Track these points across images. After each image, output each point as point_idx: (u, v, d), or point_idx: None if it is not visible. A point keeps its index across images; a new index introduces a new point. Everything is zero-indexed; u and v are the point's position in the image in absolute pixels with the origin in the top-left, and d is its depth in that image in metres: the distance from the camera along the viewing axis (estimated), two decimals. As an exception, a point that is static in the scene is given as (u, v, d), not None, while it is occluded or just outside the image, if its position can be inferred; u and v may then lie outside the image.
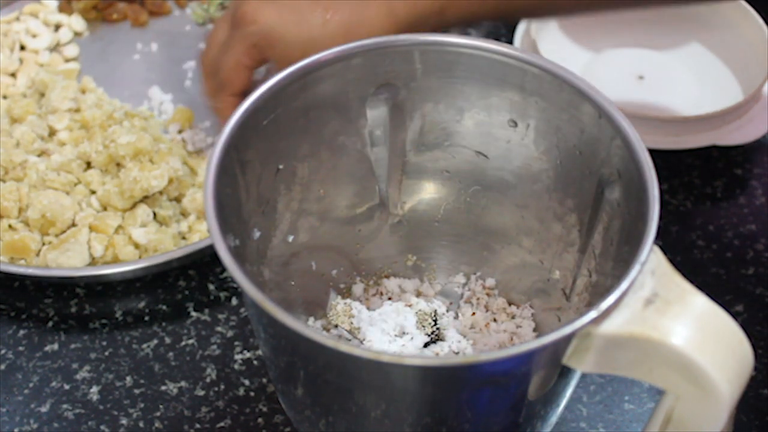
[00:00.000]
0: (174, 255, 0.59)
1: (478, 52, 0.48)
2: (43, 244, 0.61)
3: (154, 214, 0.62)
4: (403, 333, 0.51)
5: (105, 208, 0.62)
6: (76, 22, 0.76)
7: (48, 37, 0.75)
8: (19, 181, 0.63)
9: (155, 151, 0.62)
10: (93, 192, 0.62)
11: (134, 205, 0.61)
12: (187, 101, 0.71)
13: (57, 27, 0.77)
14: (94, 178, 0.62)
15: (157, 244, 0.60)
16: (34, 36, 0.75)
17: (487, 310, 0.55)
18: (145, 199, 0.62)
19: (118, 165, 0.62)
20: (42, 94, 0.69)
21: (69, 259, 0.59)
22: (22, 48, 0.75)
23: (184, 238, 0.62)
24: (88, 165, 0.63)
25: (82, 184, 0.63)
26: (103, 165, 0.62)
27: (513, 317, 0.55)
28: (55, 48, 0.75)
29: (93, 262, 0.60)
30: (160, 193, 0.62)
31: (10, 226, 0.61)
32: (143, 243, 0.60)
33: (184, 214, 0.63)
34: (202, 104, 0.71)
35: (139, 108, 0.70)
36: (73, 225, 0.61)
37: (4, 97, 0.70)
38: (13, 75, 0.73)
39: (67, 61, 0.75)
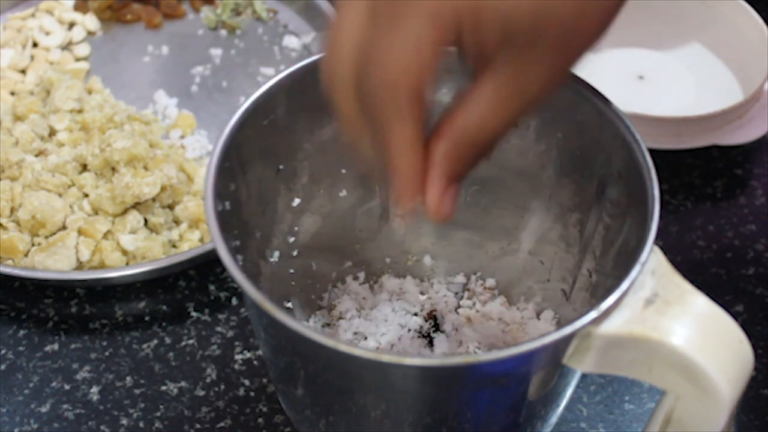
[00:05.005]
0: (178, 259, 0.59)
1: (478, 52, 0.48)
2: (33, 245, 0.61)
3: (146, 220, 0.62)
4: (404, 333, 0.51)
5: (96, 213, 0.61)
6: (90, 22, 0.76)
7: (61, 35, 0.75)
8: (15, 180, 0.62)
9: (150, 158, 0.62)
10: (86, 195, 0.62)
11: (125, 211, 0.61)
12: (192, 106, 0.71)
13: (71, 25, 0.77)
14: (88, 181, 0.62)
15: (146, 252, 0.60)
16: (47, 33, 0.75)
17: (486, 310, 0.55)
18: (137, 205, 0.61)
19: (113, 170, 0.62)
20: (48, 93, 0.69)
21: (56, 263, 0.59)
22: (35, 45, 0.75)
23: (174, 246, 0.62)
24: (84, 168, 0.63)
25: (75, 186, 0.62)
26: (98, 169, 0.62)
27: (513, 316, 0.55)
28: (67, 46, 0.75)
29: (80, 266, 0.60)
30: (153, 200, 0.61)
31: (1, 225, 0.61)
32: (131, 250, 0.60)
33: (177, 222, 0.63)
34: (204, 110, 0.71)
35: (143, 111, 0.70)
36: (64, 228, 0.61)
37: (12, 94, 0.70)
38: (23, 72, 0.73)
39: (78, 60, 0.74)
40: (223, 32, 0.77)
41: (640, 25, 0.75)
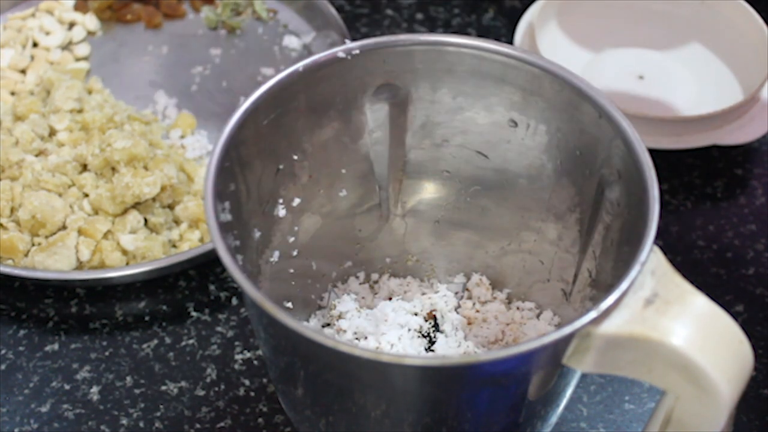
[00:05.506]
0: (178, 259, 0.59)
1: (478, 52, 0.48)
2: (33, 245, 0.61)
3: (146, 220, 0.62)
4: (404, 332, 0.51)
5: (97, 213, 0.61)
6: (90, 21, 0.76)
7: (61, 35, 0.75)
8: (15, 180, 0.62)
9: (150, 158, 0.61)
10: (86, 195, 0.62)
11: (125, 211, 0.61)
12: (192, 106, 0.71)
13: (71, 25, 0.76)
14: (88, 181, 0.62)
15: (146, 252, 0.60)
16: (47, 33, 0.75)
17: (486, 310, 0.55)
18: (137, 205, 0.61)
19: (113, 170, 0.62)
20: (48, 93, 0.69)
21: (56, 263, 0.59)
22: (35, 45, 0.75)
23: (174, 246, 0.62)
24: (84, 168, 0.63)
25: (75, 186, 0.62)
26: (98, 168, 0.62)
27: (513, 316, 0.55)
28: (67, 46, 0.75)
29: (80, 266, 0.60)
30: (153, 200, 0.61)
31: (1, 225, 0.61)
32: (131, 250, 0.60)
33: (177, 222, 0.63)
34: (204, 110, 0.71)
35: (143, 111, 0.70)
36: (64, 228, 0.60)
37: (12, 94, 0.70)
38: (23, 72, 0.73)
39: (78, 60, 0.74)
40: (223, 32, 0.77)
41: (640, 25, 0.75)
